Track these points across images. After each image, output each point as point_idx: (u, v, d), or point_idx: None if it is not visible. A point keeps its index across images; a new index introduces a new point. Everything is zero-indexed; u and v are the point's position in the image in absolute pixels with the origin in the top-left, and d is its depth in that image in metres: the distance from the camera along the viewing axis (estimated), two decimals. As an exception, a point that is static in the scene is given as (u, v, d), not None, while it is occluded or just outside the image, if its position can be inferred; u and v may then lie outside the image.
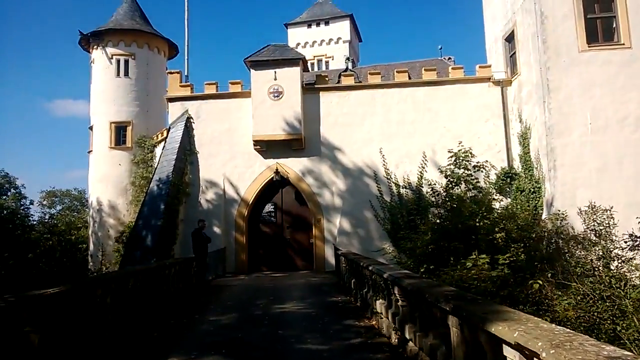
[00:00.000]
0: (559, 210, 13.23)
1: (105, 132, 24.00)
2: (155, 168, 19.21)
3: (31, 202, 44.73)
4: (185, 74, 21.25)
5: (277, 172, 18.13)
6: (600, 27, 14.63)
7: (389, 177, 17.79)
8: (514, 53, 17.03)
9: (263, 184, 18.34)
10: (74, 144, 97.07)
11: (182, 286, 12.23)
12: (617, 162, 13.93)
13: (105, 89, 24.34)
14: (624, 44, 14.25)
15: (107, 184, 23.80)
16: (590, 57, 14.31)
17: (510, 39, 17.35)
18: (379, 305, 7.90)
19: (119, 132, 24.01)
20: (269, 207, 19.06)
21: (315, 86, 18.67)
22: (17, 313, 5.19)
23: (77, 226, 31.72)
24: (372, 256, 14.01)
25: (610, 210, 11.22)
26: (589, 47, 14.33)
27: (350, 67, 24.87)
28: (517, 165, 16.83)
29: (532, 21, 15.08)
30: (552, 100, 14.34)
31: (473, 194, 13.24)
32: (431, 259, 11.13)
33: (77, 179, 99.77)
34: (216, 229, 18.02)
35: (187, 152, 18.37)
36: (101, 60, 24.55)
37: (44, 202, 50.15)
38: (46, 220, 38.04)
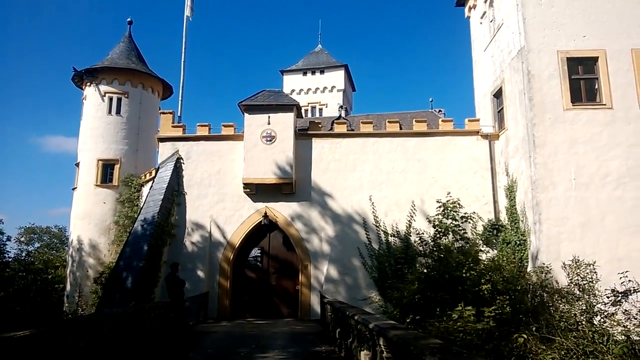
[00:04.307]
0: (544, 264, 13.26)
1: (92, 169, 23.83)
2: (141, 208, 18.95)
3: (8, 238, 43.43)
4: (179, 114, 21.47)
5: (265, 215, 18.01)
6: (583, 88, 15.23)
7: (377, 224, 17.75)
8: (502, 108, 17.56)
9: (251, 227, 18.13)
10: (61, 181, 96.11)
11: (161, 332, 11.76)
12: (600, 218, 14.11)
13: (95, 125, 24.37)
14: (605, 105, 14.80)
15: (89, 222, 23.36)
16: (574, 116, 14.79)
17: (498, 95, 17.94)
18: (364, 356, 7.65)
19: (106, 170, 23.85)
20: (255, 252, 18.78)
21: (308, 132, 18.91)
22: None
23: (54, 265, 30.83)
24: (359, 305, 13.76)
25: (593, 265, 11.30)
26: (573, 105, 14.85)
27: (343, 115, 25.32)
28: (504, 217, 16.95)
29: (520, 79, 15.66)
30: (537, 156, 14.66)
31: (460, 245, 13.23)
32: (417, 309, 10.94)
33: (62, 216, 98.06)
34: (200, 273, 17.62)
35: (174, 193, 18.22)
36: (93, 98, 24.73)
37: (22, 239, 48.91)
38: (22, 258, 36.94)
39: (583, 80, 15.26)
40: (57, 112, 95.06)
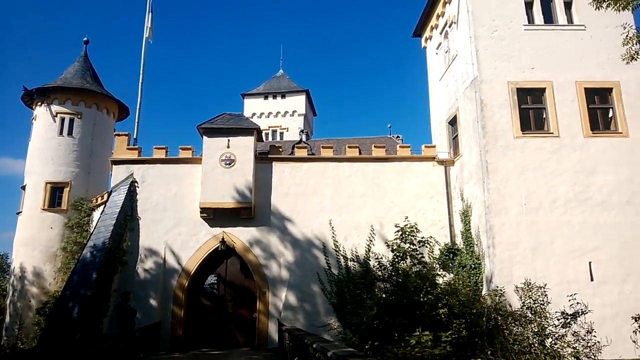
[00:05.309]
0: (498, 287, 13.53)
1: (39, 192, 22.67)
2: (91, 233, 18.08)
3: (-59, 266, 40.45)
4: (135, 136, 20.90)
5: (223, 241, 17.57)
6: (532, 117, 15.96)
7: (337, 249, 17.68)
8: (457, 135, 18.12)
9: (207, 253, 17.62)
10: (8, 205, 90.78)
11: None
12: (549, 242, 14.62)
13: (45, 147, 23.33)
14: (552, 133, 15.56)
15: (33, 248, 22.05)
16: (524, 143, 15.45)
17: (453, 122, 18.54)
18: (322, 387, 7.45)
19: (55, 193, 22.75)
20: (211, 279, 18.23)
21: (269, 156, 18.80)
22: None
23: (-7, 294, 28.75)
24: (318, 332, 13.54)
25: (544, 288, 11.64)
26: (522, 134, 15.51)
27: (304, 139, 25.47)
28: (459, 241, 17.28)
29: (473, 108, 16.26)
30: (490, 181, 15.15)
31: (418, 269, 13.33)
32: (376, 335, 10.86)
33: (8, 241, 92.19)
34: (152, 302, 16.88)
35: (127, 218, 17.53)
36: (44, 118, 23.76)
37: (-44, 266, 45.55)
38: (-44, 287, 34.22)
39: (532, 109, 16.01)
40: (5, 133, 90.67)
